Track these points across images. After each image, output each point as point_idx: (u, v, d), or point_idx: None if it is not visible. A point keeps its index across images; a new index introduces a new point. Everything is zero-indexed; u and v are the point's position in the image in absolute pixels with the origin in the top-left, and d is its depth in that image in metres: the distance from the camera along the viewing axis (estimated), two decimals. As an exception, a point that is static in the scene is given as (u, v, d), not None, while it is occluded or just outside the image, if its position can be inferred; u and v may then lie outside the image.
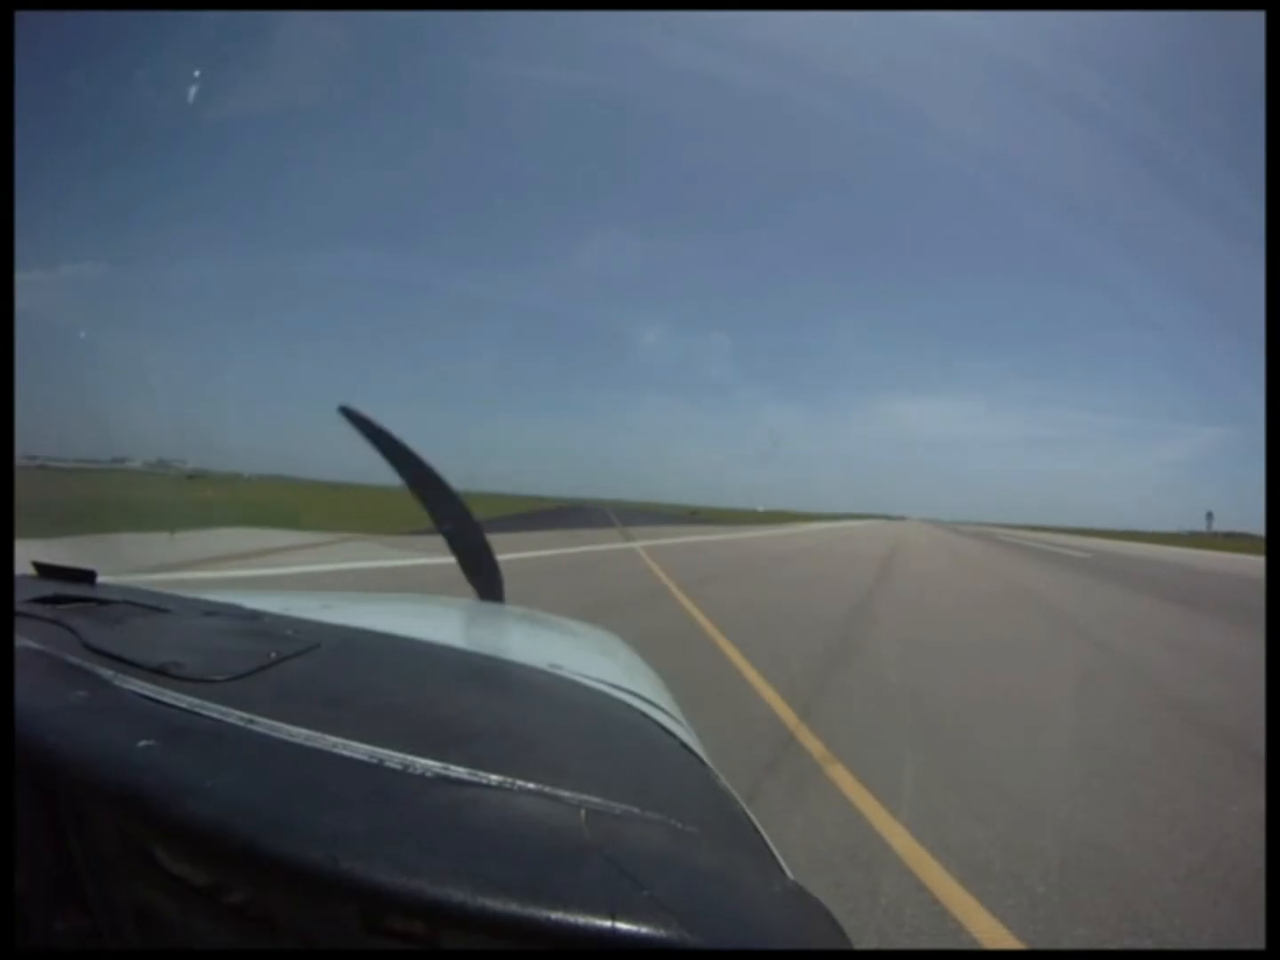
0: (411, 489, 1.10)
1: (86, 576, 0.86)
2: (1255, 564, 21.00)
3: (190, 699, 0.49)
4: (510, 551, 10.35)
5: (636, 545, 14.86)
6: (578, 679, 0.68)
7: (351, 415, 1.07)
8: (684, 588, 8.14)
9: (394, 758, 0.43)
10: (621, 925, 0.30)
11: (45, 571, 0.89)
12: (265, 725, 0.46)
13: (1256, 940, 1.80)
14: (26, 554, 0.86)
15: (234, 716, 0.47)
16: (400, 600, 1.32)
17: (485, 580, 1.18)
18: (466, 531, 1.15)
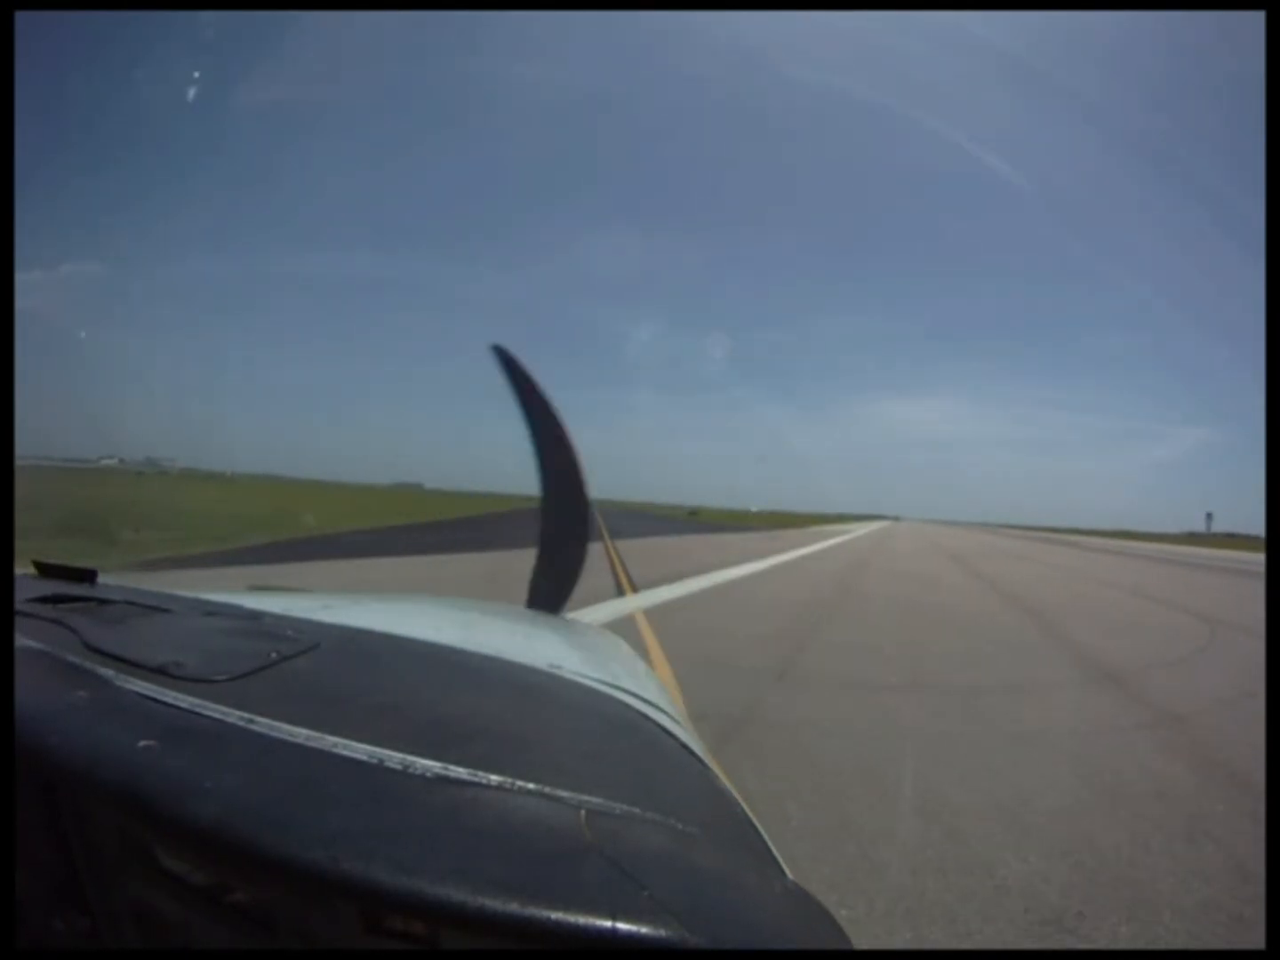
0: (536, 451, 1.04)
1: (87, 576, 0.86)
2: None
3: (190, 699, 0.49)
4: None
5: (632, 604, 6.95)
6: (578, 679, 0.68)
7: (502, 355, 1.03)
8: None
9: (394, 758, 0.43)
10: (622, 925, 0.30)
11: (46, 571, 0.89)
12: (265, 725, 0.46)
13: (1257, 940, 1.79)
14: None
15: (234, 716, 0.47)
16: (400, 600, 1.32)
17: (548, 590, 1.11)
18: (568, 527, 1.06)
